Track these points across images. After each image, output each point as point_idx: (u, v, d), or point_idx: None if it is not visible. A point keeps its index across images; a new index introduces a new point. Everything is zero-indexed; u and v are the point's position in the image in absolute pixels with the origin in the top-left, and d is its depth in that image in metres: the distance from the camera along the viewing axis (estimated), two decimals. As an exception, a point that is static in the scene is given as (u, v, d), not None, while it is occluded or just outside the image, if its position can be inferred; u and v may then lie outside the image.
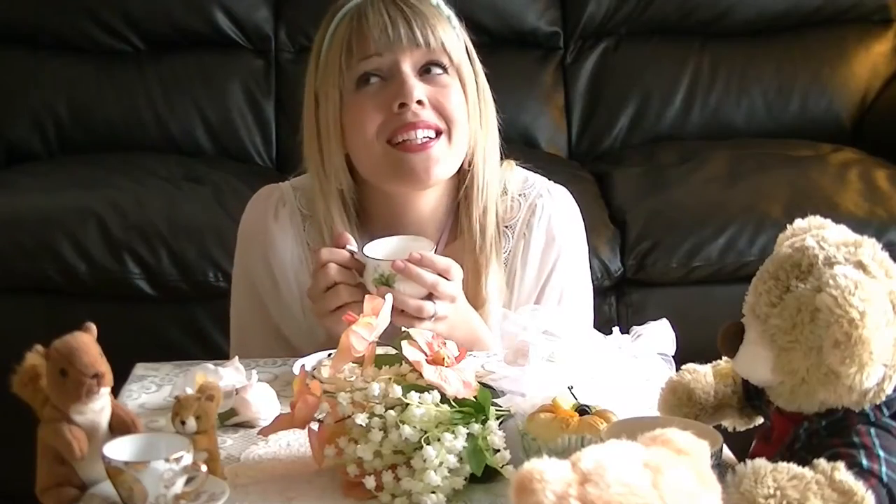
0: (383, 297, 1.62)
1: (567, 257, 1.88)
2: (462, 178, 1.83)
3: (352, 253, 1.70)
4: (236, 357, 1.66)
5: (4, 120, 3.27)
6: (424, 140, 1.76)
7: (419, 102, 1.75)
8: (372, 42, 1.75)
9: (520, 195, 1.88)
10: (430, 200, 1.83)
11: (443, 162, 1.77)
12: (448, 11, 1.81)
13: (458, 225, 1.86)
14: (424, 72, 1.77)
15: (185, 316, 2.75)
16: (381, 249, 1.70)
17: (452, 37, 1.79)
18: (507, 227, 1.86)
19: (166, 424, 1.44)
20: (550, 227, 1.87)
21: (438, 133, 1.77)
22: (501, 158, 1.87)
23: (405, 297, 1.66)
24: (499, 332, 1.68)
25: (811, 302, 1.26)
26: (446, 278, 1.68)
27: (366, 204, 1.85)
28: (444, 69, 1.78)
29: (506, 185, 1.87)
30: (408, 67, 1.76)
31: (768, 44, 3.43)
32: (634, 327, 1.59)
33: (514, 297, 1.86)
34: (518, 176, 1.90)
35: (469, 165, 1.82)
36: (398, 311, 1.64)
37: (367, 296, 1.48)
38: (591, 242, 2.70)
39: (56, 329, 1.34)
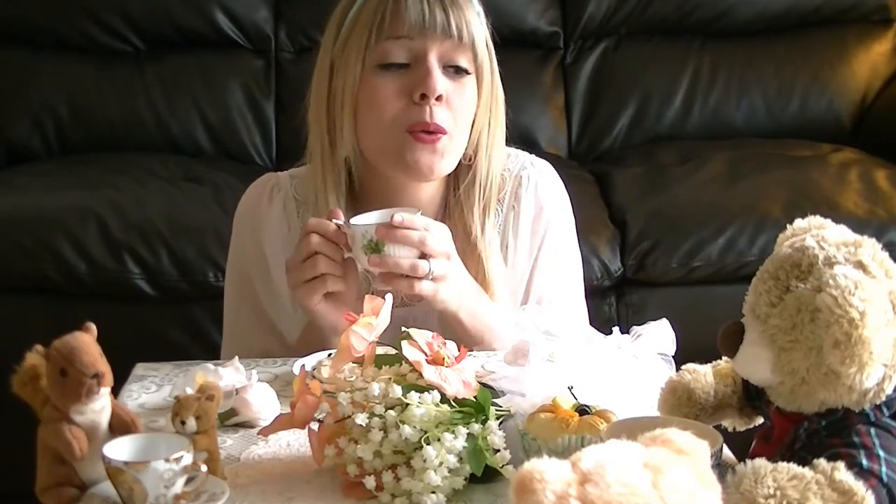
0: (375, 265, 1.64)
1: (557, 224, 1.91)
2: (460, 169, 1.83)
3: (338, 226, 1.69)
4: (236, 357, 1.66)
5: (4, 120, 3.28)
6: (434, 133, 1.75)
7: (438, 98, 1.74)
8: (406, 24, 1.73)
9: (504, 170, 1.89)
10: (428, 188, 1.84)
11: (446, 158, 1.78)
12: (478, 7, 1.79)
13: (448, 208, 1.86)
14: (448, 64, 1.76)
15: (185, 316, 2.75)
16: (368, 220, 1.70)
17: (481, 33, 1.77)
18: (496, 201, 1.87)
19: (166, 424, 1.44)
20: (538, 195, 1.89)
21: (445, 133, 1.77)
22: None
23: (398, 259, 1.66)
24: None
25: (811, 302, 1.26)
26: None
27: (364, 180, 1.84)
28: (466, 67, 1.77)
29: None
30: (434, 58, 1.74)
31: (768, 44, 3.44)
32: (634, 327, 1.59)
33: (510, 268, 1.87)
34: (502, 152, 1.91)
35: (471, 160, 1.82)
36: (396, 275, 1.65)
37: (367, 296, 1.48)
38: (591, 242, 2.72)
39: (56, 329, 1.33)
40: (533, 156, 1.94)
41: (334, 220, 1.70)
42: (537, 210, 1.88)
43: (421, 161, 1.76)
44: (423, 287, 1.67)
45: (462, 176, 1.83)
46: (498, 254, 1.86)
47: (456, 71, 1.76)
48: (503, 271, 1.86)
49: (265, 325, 1.87)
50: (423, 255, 1.67)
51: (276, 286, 1.85)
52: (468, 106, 1.78)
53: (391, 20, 1.73)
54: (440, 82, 1.74)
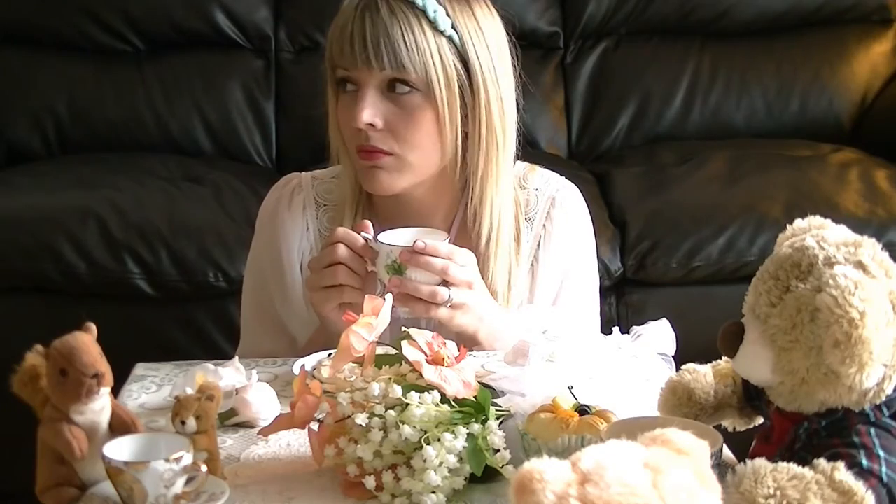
0: (395, 286, 1.65)
1: (584, 246, 1.93)
2: (465, 180, 1.83)
3: (366, 240, 1.70)
4: (236, 357, 1.66)
5: (4, 120, 3.28)
6: (373, 152, 1.75)
7: (370, 125, 1.73)
8: (344, 57, 1.74)
9: (536, 189, 1.90)
10: (430, 197, 1.84)
11: (396, 175, 1.77)
12: (446, 26, 1.74)
13: (465, 214, 1.86)
14: (390, 88, 1.74)
15: (185, 316, 2.75)
16: (396, 239, 1.70)
17: (428, 55, 1.73)
18: (527, 218, 1.89)
19: (166, 424, 1.44)
20: (569, 218, 1.91)
21: (389, 154, 1.76)
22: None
23: (418, 283, 1.66)
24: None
25: (811, 302, 1.26)
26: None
27: None
28: (412, 87, 1.74)
29: (524, 179, 1.90)
30: (368, 86, 1.73)
31: (768, 44, 3.44)
32: (634, 327, 1.59)
33: (539, 286, 1.88)
34: (534, 170, 1.93)
35: (472, 180, 1.81)
36: (414, 298, 1.66)
37: (367, 296, 1.48)
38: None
39: (56, 329, 1.34)
40: (563, 178, 1.95)
41: (362, 234, 1.70)
42: (568, 231, 1.90)
43: (367, 177, 1.77)
44: (440, 313, 1.68)
45: (469, 192, 1.83)
46: (514, 262, 1.86)
47: (399, 89, 1.73)
48: (520, 279, 1.86)
49: (278, 327, 1.87)
50: (446, 282, 1.68)
51: (290, 289, 1.86)
52: (418, 123, 1.75)
53: (336, 51, 1.75)
54: (366, 112, 1.72)
